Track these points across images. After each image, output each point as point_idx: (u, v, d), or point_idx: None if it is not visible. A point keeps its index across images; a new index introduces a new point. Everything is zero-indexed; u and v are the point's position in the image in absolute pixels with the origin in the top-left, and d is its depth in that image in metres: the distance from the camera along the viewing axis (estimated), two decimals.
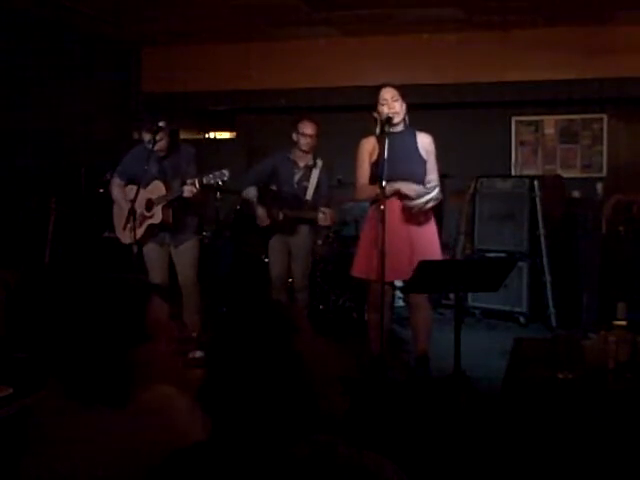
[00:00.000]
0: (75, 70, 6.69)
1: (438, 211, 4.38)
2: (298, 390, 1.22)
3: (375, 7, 5.90)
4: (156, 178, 4.65)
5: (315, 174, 5.12)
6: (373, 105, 4.20)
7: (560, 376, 2.75)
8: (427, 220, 4.21)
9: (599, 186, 6.69)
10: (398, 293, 5.50)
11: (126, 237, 4.69)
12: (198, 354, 4.60)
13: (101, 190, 6.01)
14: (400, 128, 4.21)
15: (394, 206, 4.05)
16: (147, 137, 4.61)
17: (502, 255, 6.09)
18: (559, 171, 7.11)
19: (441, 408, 3.71)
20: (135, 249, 4.65)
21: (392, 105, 4.13)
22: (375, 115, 4.20)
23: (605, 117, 7.05)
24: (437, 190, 4.05)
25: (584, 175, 7.07)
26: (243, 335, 1.26)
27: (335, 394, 1.30)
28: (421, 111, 4.45)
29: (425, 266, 3.48)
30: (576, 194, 6.78)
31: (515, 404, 2.74)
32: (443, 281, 3.64)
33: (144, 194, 4.58)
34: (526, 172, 7.12)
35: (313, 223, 5.06)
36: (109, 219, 4.98)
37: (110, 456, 1.39)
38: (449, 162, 4.32)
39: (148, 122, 4.63)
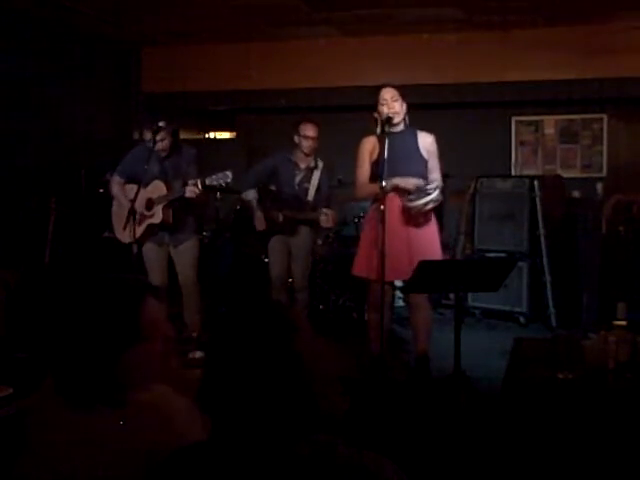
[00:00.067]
0: (75, 70, 6.70)
1: (438, 211, 4.37)
2: (298, 390, 1.22)
3: (375, 7, 5.90)
4: (157, 178, 4.65)
5: (316, 175, 5.11)
6: (373, 105, 4.20)
7: (560, 376, 2.75)
8: (427, 221, 4.20)
9: (599, 186, 6.69)
10: (398, 293, 5.51)
11: (125, 236, 4.68)
12: (198, 354, 4.60)
13: (101, 190, 6.02)
14: (401, 128, 4.21)
15: (394, 206, 4.05)
16: (149, 136, 4.61)
17: (502, 255, 6.09)
18: (559, 171, 7.11)
19: (441, 408, 3.70)
20: (135, 249, 4.65)
21: (392, 105, 4.13)
22: (375, 115, 4.21)
23: (605, 117, 7.05)
24: (437, 192, 4.04)
25: (584, 175, 7.08)
26: (243, 335, 1.26)
27: (335, 394, 1.30)
28: (421, 111, 4.45)
29: (425, 266, 3.48)
30: (576, 194, 6.77)
31: (515, 404, 2.74)
32: (443, 281, 3.64)
33: (144, 193, 4.58)
34: (526, 172, 7.12)
35: (314, 224, 5.07)
36: (109, 219, 4.98)
37: (110, 456, 1.39)
38: (449, 162, 4.32)
39: (150, 121, 4.64)
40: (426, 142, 4.25)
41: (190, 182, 4.48)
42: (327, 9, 5.97)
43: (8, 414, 2.76)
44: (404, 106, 4.20)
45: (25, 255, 5.48)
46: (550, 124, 7.22)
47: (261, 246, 5.42)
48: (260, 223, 5.15)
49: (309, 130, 4.99)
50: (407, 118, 4.24)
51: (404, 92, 4.21)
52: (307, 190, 5.11)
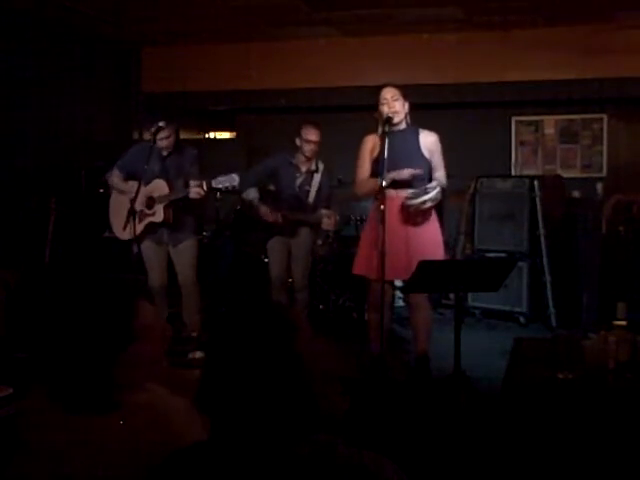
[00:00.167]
0: (75, 70, 6.70)
1: (438, 211, 4.37)
2: (298, 390, 1.22)
3: (375, 7, 5.90)
4: (158, 176, 4.64)
5: (317, 178, 5.11)
6: (373, 105, 4.20)
7: (560, 376, 2.75)
8: (425, 220, 4.20)
9: (599, 186, 6.69)
10: (398, 293, 5.51)
11: (124, 233, 4.66)
12: (198, 354, 4.60)
13: (101, 190, 6.01)
14: (402, 127, 4.21)
15: (393, 206, 4.06)
16: (149, 136, 4.62)
17: (502, 255, 6.08)
18: (559, 171, 7.11)
19: (441, 408, 3.70)
20: (135, 248, 4.64)
21: (392, 104, 4.13)
22: (376, 115, 4.21)
23: (605, 117, 7.05)
24: (436, 191, 4.03)
25: (584, 175, 7.08)
26: (243, 335, 1.26)
27: (335, 394, 1.30)
28: (421, 111, 4.44)
29: (425, 266, 3.48)
30: (576, 194, 6.77)
31: (515, 404, 2.74)
32: (443, 281, 3.64)
33: (145, 191, 4.57)
34: (526, 172, 7.12)
35: (315, 226, 5.07)
36: (108, 218, 4.98)
37: (109, 457, 1.40)
38: (449, 162, 4.31)
39: (150, 121, 4.64)
40: (428, 141, 4.24)
41: (194, 183, 4.47)
42: (327, 9, 5.97)
43: (8, 414, 2.76)
44: (406, 105, 4.20)
45: (25, 255, 5.48)
46: (550, 124, 7.22)
47: (262, 245, 5.42)
48: (267, 214, 5.07)
49: (311, 134, 4.97)
50: (408, 117, 4.25)
51: (404, 92, 4.21)
52: (308, 192, 5.11)
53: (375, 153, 4.20)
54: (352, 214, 6.30)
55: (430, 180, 4.17)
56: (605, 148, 7.06)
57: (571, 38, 6.39)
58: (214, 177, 4.45)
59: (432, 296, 4.95)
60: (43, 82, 6.24)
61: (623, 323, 2.81)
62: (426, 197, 4.01)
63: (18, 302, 4.86)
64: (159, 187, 4.62)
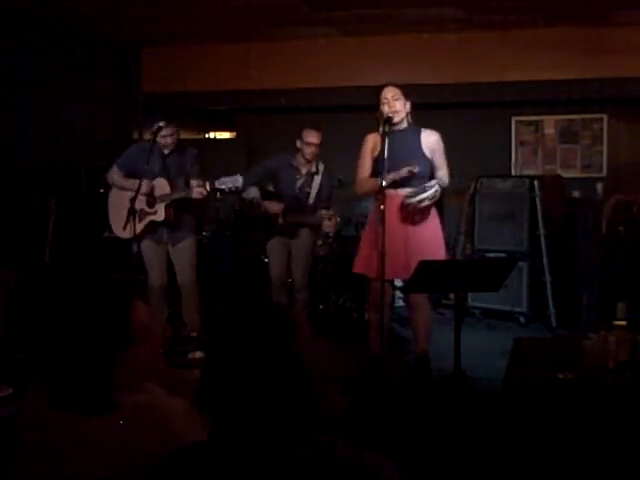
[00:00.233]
0: (75, 70, 6.70)
1: (438, 211, 4.37)
2: (298, 390, 1.22)
3: (375, 7, 5.90)
4: (159, 175, 4.64)
5: (317, 180, 5.11)
6: (374, 105, 4.20)
7: (560, 376, 2.75)
8: (424, 219, 4.20)
9: (599, 186, 6.69)
10: (398, 293, 5.51)
11: (123, 231, 4.64)
12: (198, 354, 4.60)
13: (101, 190, 6.01)
14: (403, 126, 4.21)
15: (393, 205, 4.06)
16: (149, 136, 4.62)
17: (502, 255, 6.09)
18: (559, 171, 7.11)
19: (441, 408, 3.70)
20: (135, 248, 4.64)
21: (393, 104, 4.13)
22: (377, 115, 4.20)
23: (605, 117, 7.04)
24: (434, 189, 4.02)
25: (584, 175, 7.07)
26: (242, 335, 1.26)
27: (335, 394, 1.30)
28: (421, 111, 4.44)
29: (425, 266, 3.48)
30: (576, 194, 6.77)
31: (515, 404, 2.74)
32: (443, 281, 3.64)
33: (146, 190, 4.56)
34: (526, 172, 7.12)
35: (315, 227, 5.07)
36: (108, 218, 4.97)
37: (109, 457, 1.40)
38: (449, 162, 4.32)
39: (150, 121, 4.65)
40: (429, 140, 4.24)
41: (196, 183, 4.46)
42: (327, 9, 5.97)
43: (8, 414, 2.76)
44: (407, 105, 4.20)
45: (25, 255, 5.48)
46: (550, 124, 7.22)
47: (261, 245, 5.41)
48: (273, 206, 5.03)
49: (312, 137, 4.96)
50: (410, 116, 4.24)
51: (406, 91, 4.21)
52: (308, 194, 5.11)
53: (376, 152, 4.20)
54: (352, 215, 6.30)
55: (431, 179, 4.17)
56: (605, 148, 7.06)
57: (571, 38, 6.39)
58: (214, 177, 4.45)
59: (432, 296, 4.95)
60: (43, 82, 6.24)
61: (623, 323, 2.81)
62: (423, 195, 4.00)
63: (18, 302, 4.86)
64: (160, 186, 4.62)
